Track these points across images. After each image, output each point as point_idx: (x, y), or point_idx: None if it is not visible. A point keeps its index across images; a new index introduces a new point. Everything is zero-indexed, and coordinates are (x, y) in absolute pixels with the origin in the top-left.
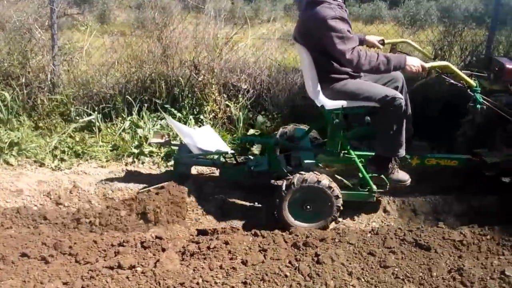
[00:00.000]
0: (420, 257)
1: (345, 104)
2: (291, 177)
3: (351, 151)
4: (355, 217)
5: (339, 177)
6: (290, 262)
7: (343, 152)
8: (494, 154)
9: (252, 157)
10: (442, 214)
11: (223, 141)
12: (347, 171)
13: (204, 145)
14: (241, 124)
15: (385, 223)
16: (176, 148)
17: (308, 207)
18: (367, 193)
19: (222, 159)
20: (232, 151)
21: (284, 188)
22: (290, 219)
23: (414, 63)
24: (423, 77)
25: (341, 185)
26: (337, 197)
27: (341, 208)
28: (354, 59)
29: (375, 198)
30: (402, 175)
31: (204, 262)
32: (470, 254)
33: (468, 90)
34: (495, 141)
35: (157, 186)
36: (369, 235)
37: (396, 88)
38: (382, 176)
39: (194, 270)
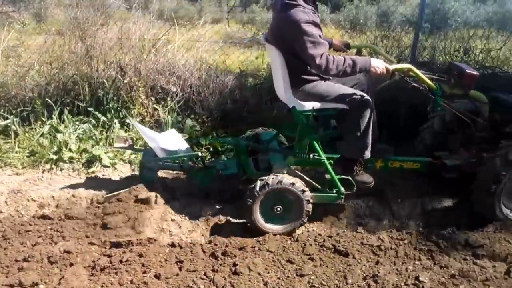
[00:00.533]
0: (337, 264)
1: (316, 106)
2: (265, 178)
3: (321, 153)
4: None
5: (308, 179)
6: (205, 274)
7: (313, 154)
8: (454, 157)
9: (220, 160)
10: (363, 218)
11: (188, 145)
12: (308, 173)
13: (170, 149)
14: (169, 128)
15: (306, 229)
16: (140, 152)
17: (279, 209)
18: (335, 195)
19: (190, 162)
20: (200, 154)
21: (258, 189)
22: (261, 221)
23: (378, 65)
24: (387, 79)
25: (310, 188)
26: (308, 201)
27: (310, 213)
28: (323, 64)
29: (342, 200)
30: (367, 177)
31: (114, 277)
32: (388, 259)
33: (429, 93)
34: (455, 144)
35: (117, 193)
36: (289, 242)
37: (362, 91)
38: (349, 177)
39: (102, 286)
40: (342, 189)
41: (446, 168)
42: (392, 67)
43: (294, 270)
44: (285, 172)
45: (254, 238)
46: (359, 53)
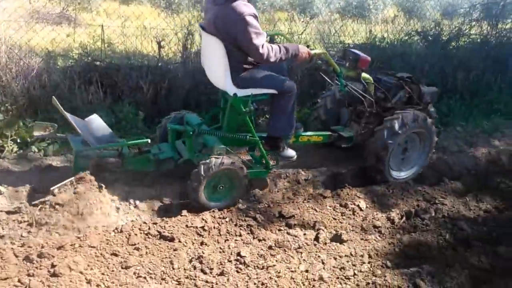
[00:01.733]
0: (164, 250)
1: (253, 92)
2: (208, 160)
3: (255, 134)
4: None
5: (242, 158)
6: (20, 281)
7: (248, 135)
8: (348, 130)
9: (154, 145)
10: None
11: (111, 130)
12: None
13: (99, 136)
14: None
15: (131, 218)
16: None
17: (221, 187)
18: (265, 170)
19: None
20: (148, 140)
21: (202, 172)
22: (206, 201)
23: (304, 50)
24: (306, 64)
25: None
26: (246, 177)
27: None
28: (265, 53)
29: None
30: (291, 152)
31: None
32: (212, 238)
33: (335, 75)
34: (347, 119)
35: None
36: (113, 234)
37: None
38: (275, 152)
39: None
40: (271, 164)
41: (343, 138)
42: (312, 52)
43: (119, 263)
44: (223, 153)
45: (74, 235)
46: (271, 40)
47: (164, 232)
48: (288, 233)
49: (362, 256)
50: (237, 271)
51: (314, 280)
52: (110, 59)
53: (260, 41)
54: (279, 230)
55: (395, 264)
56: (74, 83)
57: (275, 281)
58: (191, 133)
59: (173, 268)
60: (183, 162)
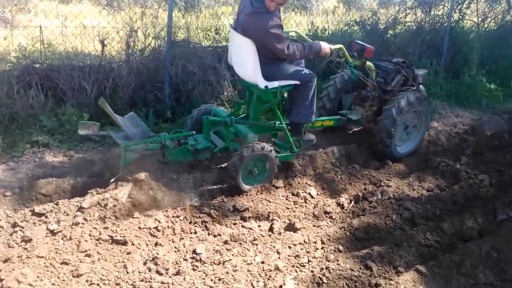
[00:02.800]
0: (117, 255)
1: (281, 84)
2: (250, 145)
3: (283, 121)
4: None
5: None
6: None
7: (277, 122)
8: (355, 113)
9: (190, 137)
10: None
11: (146, 126)
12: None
13: (138, 132)
14: None
15: (80, 225)
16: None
17: (256, 171)
18: (291, 154)
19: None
20: (193, 132)
21: (245, 154)
22: (242, 183)
23: (326, 46)
24: (327, 58)
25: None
26: (276, 157)
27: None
28: (290, 53)
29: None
30: (311, 136)
31: None
32: (166, 238)
33: (347, 64)
34: (352, 104)
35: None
36: (62, 242)
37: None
38: (298, 138)
39: None
40: (295, 148)
41: (351, 121)
42: (333, 47)
43: (70, 271)
44: (256, 140)
45: (20, 247)
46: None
47: (116, 236)
48: (243, 226)
49: (315, 242)
50: (194, 269)
51: (270, 270)
52: (50, 61)
53: (283, 45)
54: (234, 224)
55: (347, 248)
56: (13, 88)
57: (232, 275)
58: (229, 123)
59: (127, 272)
60: (218, 150)
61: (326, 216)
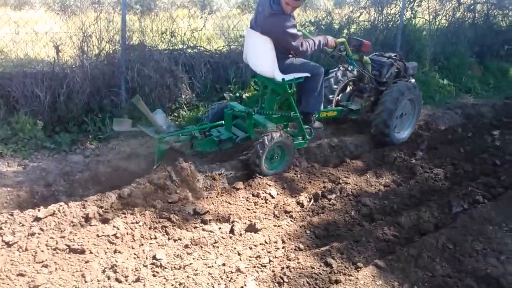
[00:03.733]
0: (74, 264)
1: (295, 76)
2: (271, 133)
3: (297, 111)
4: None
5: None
6: None
7: (292, 112)
8: (355, 104)
9: (214, 129)
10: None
11: (171, 122)
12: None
13: (165, 126)
14: None
15: (36, 235)
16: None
17: (276, 157)
18: (304, 141)
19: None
20: (222, 121)
21: (267, 142)
22: (265, 169)
23: (331, 39)
24: (331, 51)
25: None
26: (293, 143)
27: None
28: (304, 50)
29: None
30: (319, 124)
31: None
32: (125, 245)
33: (347, 57)
34: (351, 95)
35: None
36: (17, 253)
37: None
38: (308, 127)
39: None
40: (307, 135)
41: (352, 111)
42: (338, 40)
43: (27, 283)
44: (275, 129)
45: None
46: None
47: (73, 245)
48: (203, 229)
49: (276, 242)
50: (154, 275)
51: (232, 272)
52: (2, 68)
53: (297, 42)
54: (195, 227)
55: (307, 246)
56: None
57: (193, 279)
58: (252, 114)
59: (85, 281)
60: (240, 140)
61: (287, 215)
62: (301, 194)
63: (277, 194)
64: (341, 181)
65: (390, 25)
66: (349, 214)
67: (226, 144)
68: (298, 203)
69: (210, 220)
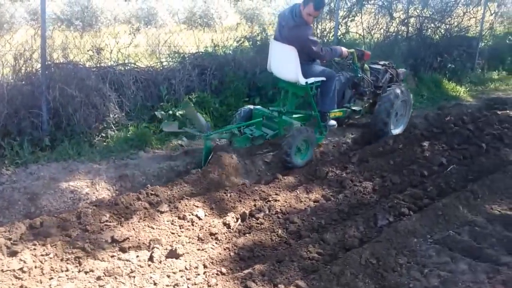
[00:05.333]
0: None
1: (316, 79)
2: (292, 133)
3: (317, 110)
4: None
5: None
6: None
7: (313, 112)
8: (355, 105)
9: (247, 128)
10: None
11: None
12: None
13: (205, 127)
14: None
15: None
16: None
17: (302, 150)
18: (322, 136)
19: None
20: (261, 119)
21: (295, 136)
22: (295, 160)
23: (345, 50)
24: (341, 59)
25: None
26: (315, 139)
27: None
28: (323, 55)
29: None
30: (333, 122)
31: None
32: (33, 279)
33: (354, 65)
34: (352, 97)
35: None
36: None
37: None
38: (324, 124)
39: None
40: (325, 132)
41: (354, 112)
42: (349, 50)
43: None
44: (299, 126)
45: None
46: None
47: None
48: (119, 259)
49: (197, 267)
50: None
51: None
52: None
53: (318, 48)
54: (112, 256)
55: (230, 270)
56: None
57: None
58: (283, 114)
59: None
60: (270, 137)
61: (212, 238)
62: (228, 214)
63: (205, 215)
64: (270, 199)
65: (325, 40)
66: (276, 233)
67: (257, 140)
68: (224, 224)
69: (129, 247)
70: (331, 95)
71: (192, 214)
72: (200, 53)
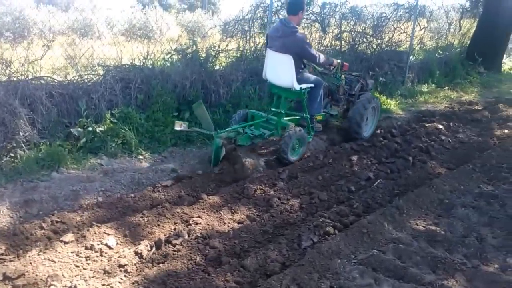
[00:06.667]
0: None
1: (307, 86)
2: (292, 130)
3: (308, 113)
4: None
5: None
6: None
7: (304, 114)
8: (332, 110)
9: (248, 128)
10: None
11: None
12: None
13: (211, 127)
14: None
15: None
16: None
17: (296, 146)
18: (311, 135)
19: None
20: (245, 124)
21: (290, 136)
22: (290, 156)
23: (335, 60)
24: (330, 70)
25: None
26: (307, 138)
27: None
28: (319, 60)
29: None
30: (319, 125)
31: None
32: None
33: (336, 75)
34: (329, 103)
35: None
36: None
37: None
38: (312, 125)
39: None
40: (312, 132)
41: (332, 116)
42: (337, 61)
43: None
44: (293, 127)
45: None
46: None
47: None
48: None
49: None
50: None
51: None
52: None
53: (314, 52)
54: None
55: None
56: None
57: None
58: (283, 114)
59: None
60: (268, 136)
61: (121, 270)
62: (141, 242)
63: (117, 243)
64: (191, 222)
65: (258, 54)
66: (194, 260)
67: (257, 139)
68: (136, 253)
69: (24, 285)
70: (318, 100)
71: (102, 243)
72: (125, 66)
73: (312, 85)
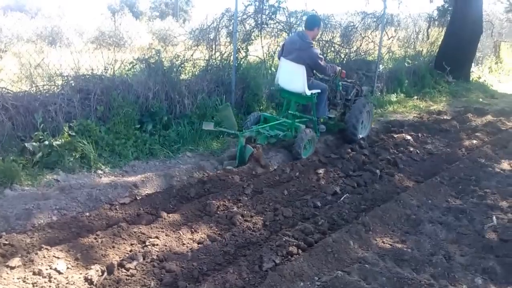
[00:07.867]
0: None
1: (316, 91)
2: (306, 130)
3: (316, 116)
4: None
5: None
6: None
7: (313, 117)
8: (330, 114)
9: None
10: None
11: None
12: None
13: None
14: None
15: None
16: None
17: (307, 146)
18: (318, 135)
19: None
20: (264, 126)
21: (303, 137)
22: (303, 154)
23: (338, 68)
24: (332, 76)
25: None
26: (316, 139)
27: None
28: (328, 71)
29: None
30: (322, 126)
31: None
32: None
33: (335, 80)
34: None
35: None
36: None
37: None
38: (318, 127)
39: None
40: (319, 133)
41: (330, 118)
42: (338, 68)
43: None
44: (305, 128)
45: None
46: None
47: None
48: None
49: None
50: None
51: None
52: None
53: (324, 63)
54: None
55: None
56: None
57: None
58: (296, 117)
59: None
60: (282, 136)
61: None
62: (93, 266)
63: (67, 268)
64: (148, 243)
65: (224, 64)
66: (148, 286)
67: (272, 139)
68: (86, 279)
69: None
70: (323, 104)
71: (51, 268)
72: (85, 76)
73: (319, 90)
